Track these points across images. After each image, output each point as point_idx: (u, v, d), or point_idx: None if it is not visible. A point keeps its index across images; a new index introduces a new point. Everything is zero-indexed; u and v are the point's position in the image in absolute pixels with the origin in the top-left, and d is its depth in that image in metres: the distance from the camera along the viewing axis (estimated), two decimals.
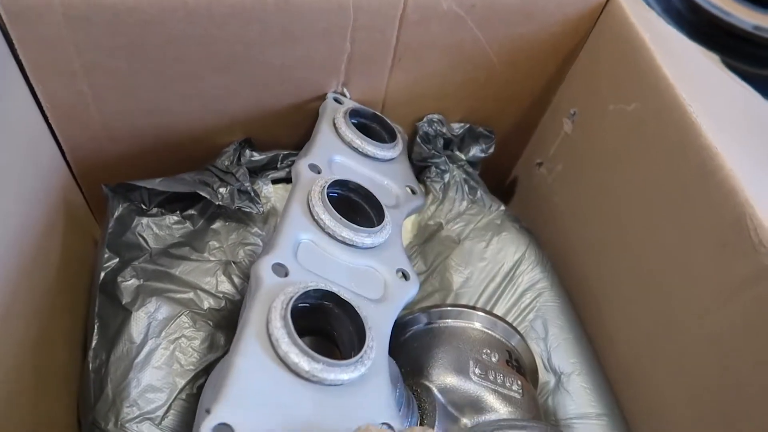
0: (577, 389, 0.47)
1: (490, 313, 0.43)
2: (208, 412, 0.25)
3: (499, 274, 0.52)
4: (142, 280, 0.43)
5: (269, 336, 0.28)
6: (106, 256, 0.43)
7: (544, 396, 0.47)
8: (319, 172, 0.40)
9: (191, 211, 0.46)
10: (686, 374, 0.41)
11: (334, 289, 0.31)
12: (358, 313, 0.31)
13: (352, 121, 0.45)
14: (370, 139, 0.44)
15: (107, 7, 0.36)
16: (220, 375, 0.27)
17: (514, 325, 0.50)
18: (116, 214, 0.45)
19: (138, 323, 0.41)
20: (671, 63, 0.42)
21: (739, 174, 0.37)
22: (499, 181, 0.63)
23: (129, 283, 0.42)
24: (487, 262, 0.52)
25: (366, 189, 0.39)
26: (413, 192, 0.45)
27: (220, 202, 0.45)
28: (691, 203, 0.40)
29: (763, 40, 0.62)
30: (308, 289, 0.30)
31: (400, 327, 0.43)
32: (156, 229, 0.46)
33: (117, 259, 0.43)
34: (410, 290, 0.36)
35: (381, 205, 0.39)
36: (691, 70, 0.45)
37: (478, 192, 0.56)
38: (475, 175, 0.57)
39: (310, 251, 0.35)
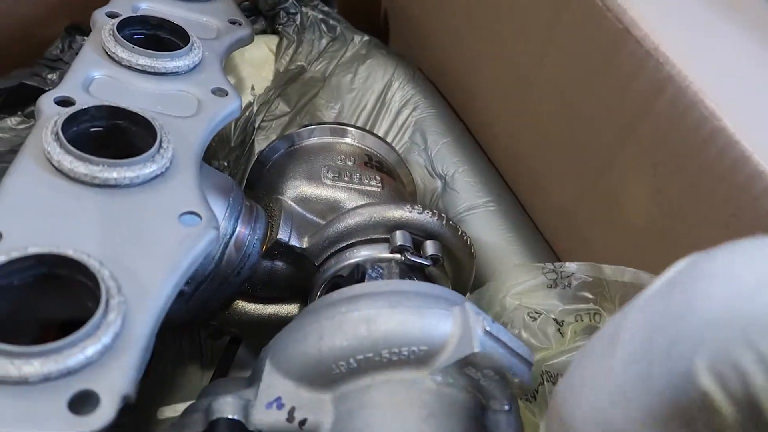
0: (462, 185, 0.46)
1: (344, 124, 0.42)
2: None
3: (370, 100, 0.51)
4: None
5: (45, 153, 0.27)
6: None
7: (434, 201, 0.47)
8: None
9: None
10: (540, 126, 0.40)
11: (122, 105, 0.30)
12: (147, 119, 0.30)
13: None
14: None
15: None
16: None
17: (394, 143, 0.49)
18: None
19: None
20: None
21: None
22: (370, 14, 0.60)
23: None
24: (356, 92, 0.51)
25: (171, 22, 0.37)
26: (239, 24, 0.43)
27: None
28: None
29: None
30: (87, 106, 0.29)
31: (261, 162, 0.42)
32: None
33: None
34: (229, 105, 0.35)
35: (185, 31, 0.37)
36: None
37: (338, 28, 0.53)
38: (332, 13, 0.54)
39: (107, 85, 0.33)
